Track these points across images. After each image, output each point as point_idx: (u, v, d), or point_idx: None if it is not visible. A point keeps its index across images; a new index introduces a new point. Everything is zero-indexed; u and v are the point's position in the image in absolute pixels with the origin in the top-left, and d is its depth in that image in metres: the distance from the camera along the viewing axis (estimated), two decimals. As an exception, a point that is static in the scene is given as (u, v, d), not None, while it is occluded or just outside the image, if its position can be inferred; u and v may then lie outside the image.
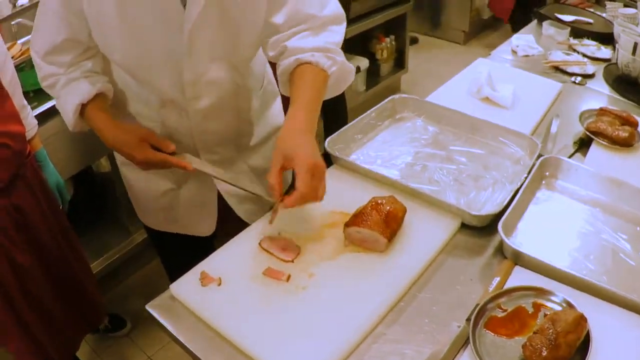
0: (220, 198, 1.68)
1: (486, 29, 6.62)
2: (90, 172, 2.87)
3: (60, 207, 1.95)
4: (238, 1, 1.31)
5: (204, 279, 1.22)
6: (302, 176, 1.19)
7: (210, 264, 1.26)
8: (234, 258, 1.27)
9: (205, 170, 1.46)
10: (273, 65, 1.53)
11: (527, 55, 2.52)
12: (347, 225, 1.29)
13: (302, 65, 1.36)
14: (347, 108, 3.66)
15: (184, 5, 1.27)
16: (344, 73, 1.42)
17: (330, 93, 1.44)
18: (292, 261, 1.26)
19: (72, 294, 1.95)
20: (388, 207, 1.30)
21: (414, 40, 6.04)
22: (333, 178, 1.44)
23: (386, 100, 1.81)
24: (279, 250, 1.28)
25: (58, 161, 2.07)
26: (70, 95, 1.47)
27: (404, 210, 1.34)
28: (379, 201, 1.31)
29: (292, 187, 1.23)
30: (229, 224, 1.67)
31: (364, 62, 4.19)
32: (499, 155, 1.62)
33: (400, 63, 4.76)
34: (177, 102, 1.46)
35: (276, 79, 1.49)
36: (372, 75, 4.47)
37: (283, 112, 1.76)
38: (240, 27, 1.37)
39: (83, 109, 1.46)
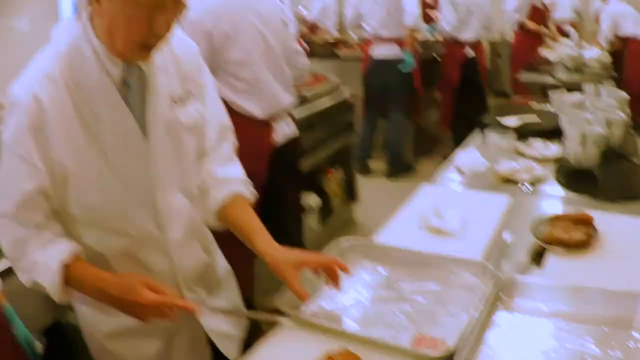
0: None
1: (434, 142, 7.19)
2: (60, 324, 2.99)
3: None
4: (185, 126, 1.74)
5: None
6: (322, 258, 1.76)
7: None
8: None
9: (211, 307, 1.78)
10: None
11: (473, 172, 2.79)
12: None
13: (237, 198, 1.83)
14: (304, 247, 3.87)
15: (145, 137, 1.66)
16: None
17: None
18: None
19: None
20: (343, 363, 1.47)
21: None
22: (283, 336, 1.66)
23: (333, 247, 2.00)
24: None
25: (26, 316, 2.16)
26: (50, 256, 1.60)
27: (360, 362, 1.50)
28: (333, 357, 1.47)
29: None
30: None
31: (315, 200, 4.60)
32: (453, 286, 1.83)
33: (351, 194, 5.22)
34: (154, 238, 1.74)
35: None
36: (325, 210, 4.88)
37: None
38: (186, 153, 1.78)
39: (65, 271, 1.60)
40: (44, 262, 1.61)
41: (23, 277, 1.68)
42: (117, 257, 1.74)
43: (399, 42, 6.32)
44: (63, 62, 1.61)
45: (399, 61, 6.31)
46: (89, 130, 1.60)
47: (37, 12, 9.59)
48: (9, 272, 2.26)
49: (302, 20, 9.83)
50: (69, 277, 1.62)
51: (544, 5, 7.74)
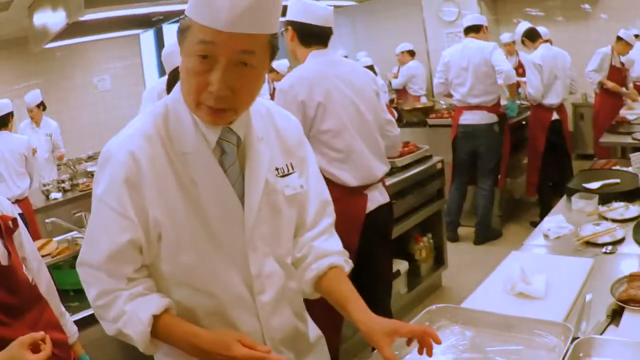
0: None
1: (521, 207, 7.26)
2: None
3: None
4: (285, 196, 1.80)
5: None
6: (415, 328, 1.76)
7: None
8: None
9: None
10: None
11: (558, 236, 2.93)
12: None
13: (334, 268, 1.86)
14: (392, 312, 3.96)
15: (242, 203, 1.69)
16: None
17: None
18: None
19: None
20: None
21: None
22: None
23: (423, 312, 2.15)
24: None
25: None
26: (140, 307, 1.60)
27: None
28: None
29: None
30: None
31: (403, 265, 4.77)
32: (535, 347, 1.98)
33: (439, 260, 5.34)
34: (244, 300, 1.74)
35: None
36: (413, 276, 5.01)
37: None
38: (283, 222, 1.82)
39: (155, 324, 1.60)
40: (134, 312, 1.60)
41: (108, 327, 1.67)
42: (205, 315, 1.73)
43: (487, 109, 6.43)
44: (161, 124, 1.66)
45: (488, 127, 6.41)
46: (184, 190, 1.62)
47: (118, 72, 10.26)
48: (85, 322, 2.46)
49: (390, 87, 10.08)
50: (158, 330, 1.62)
51: (622, 64, 7.64)
